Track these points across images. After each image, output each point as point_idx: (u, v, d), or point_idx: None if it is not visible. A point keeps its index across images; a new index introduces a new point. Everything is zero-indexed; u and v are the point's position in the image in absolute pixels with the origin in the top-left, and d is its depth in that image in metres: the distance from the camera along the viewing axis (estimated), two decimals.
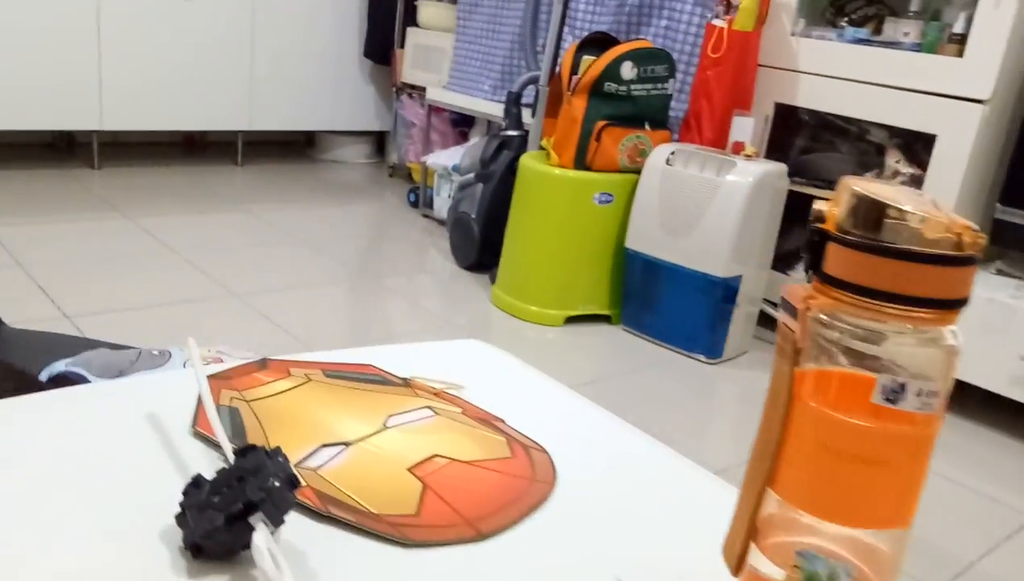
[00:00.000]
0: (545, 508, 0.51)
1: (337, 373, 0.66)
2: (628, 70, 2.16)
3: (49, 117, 3.20)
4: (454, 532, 0.48)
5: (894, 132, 2.18)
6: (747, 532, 0.39)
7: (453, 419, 0.61)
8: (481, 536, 0.48)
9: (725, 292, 2.10)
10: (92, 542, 0.43)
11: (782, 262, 2.39)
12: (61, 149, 3.59)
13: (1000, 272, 2.08)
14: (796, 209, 2.35)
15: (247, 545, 0.41)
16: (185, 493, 0.43)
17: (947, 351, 0.35)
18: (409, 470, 0.53)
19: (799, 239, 2.44)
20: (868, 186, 0.36)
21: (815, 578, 0.36)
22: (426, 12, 3.52)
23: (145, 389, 0.60)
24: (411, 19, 3.61)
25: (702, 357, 2.16)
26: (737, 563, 0.39)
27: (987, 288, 1.93)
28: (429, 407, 0.62)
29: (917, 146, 2.12)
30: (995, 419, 2.02)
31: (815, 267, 0.36)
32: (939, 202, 0.36)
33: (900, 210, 0.34)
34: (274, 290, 2.33)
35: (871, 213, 0.35)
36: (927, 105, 2.02)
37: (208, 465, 0.51)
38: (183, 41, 3.40)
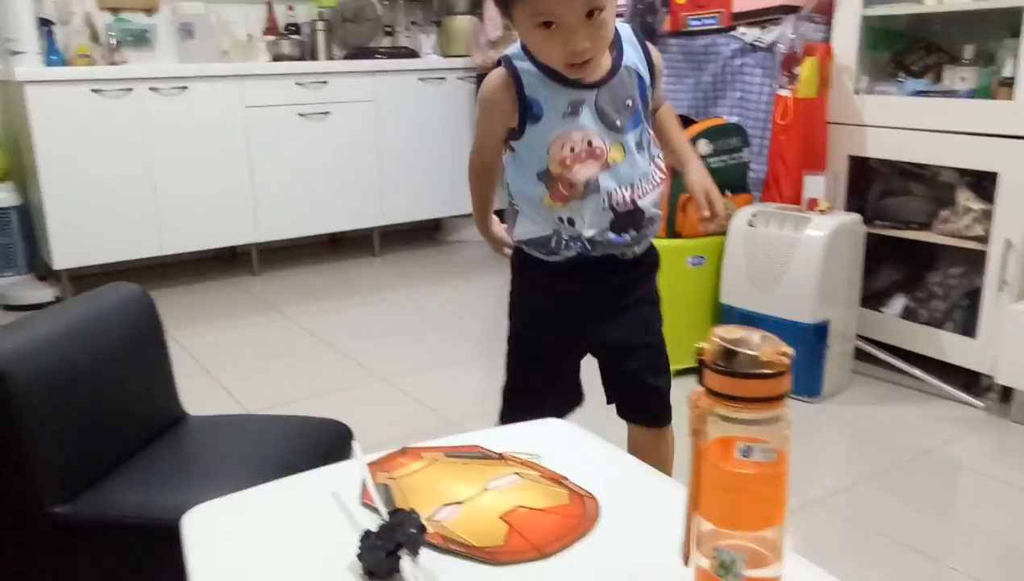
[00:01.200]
0: (590, 537, 0.78)
1: (454, 454, 0.96)
2: (704, 146, 2.40)
3: (214, 236, 3.76)
4: (526, 555, 0.75)
5: (962, 172, 2.31)
6: (688, 537, 0.65)
7: (533, 480, 0.89)
8: (543, 556, 0.75)
9: (815, 335, 2.28)
10: (311, 571, 0.73)
11: (875, 299, 2.53)
12: (225, 259, 4.14)
13: None
14: (882, 249, 2.50)
15: (399, 569, 0.70)
16: (361, 540, 0.73)
17: (781, 424, 0.61)
18: (500, 517, 0.81)
19: (888, 277, 2.57)
20: (727, 333, 0.62)
21: (722, 562, 0.62)
22: None
23: (332, 478, 0.92)
24: None
25: (803, 398, 2.33)
26: (685, 557, 0.65)
27: None
28: (516, 473, 0.90)
29: (985, 183, 2.24)
30: None
31: (700, 381, 0.63)
32: (769, 337, 0.61)
33: (739, 348, 0.60)
34: (417, 371, 2.68)
35: (724, 350, 0.61)
36: (987, 146, 2.15)
37: (373, 522, 0.81)
38: (320, 154, 3.89)
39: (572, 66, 1.17)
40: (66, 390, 1.27)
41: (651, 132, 1.30)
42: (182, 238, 3.68)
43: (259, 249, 3.93)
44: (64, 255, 3.41)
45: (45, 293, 3.51)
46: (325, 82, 3.86)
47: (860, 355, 2.48)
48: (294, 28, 4.14)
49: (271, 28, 4.12)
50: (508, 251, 1.43)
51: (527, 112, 1.23)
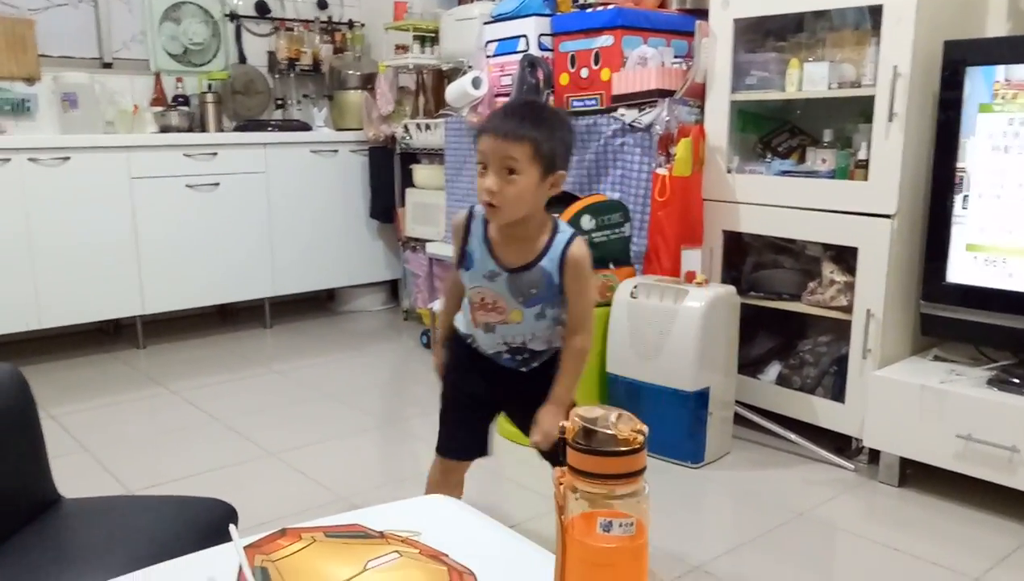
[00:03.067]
0: None
1: (334, 533, 0.96)
2: (587, 221, 2.50)
3: (97, 309, 3.62)
4: None
5: (826, 247, 2.49)
6: None
7: (412, 558, 0.90)
8: None
9: (697, 402, 2.37)
10: None
11: (751, 366, 2.67)
12: (109, 332, 3.98)
13: (936, 358, 2.33)
14: (757, 319, 2.65)
15: None
16: None
17: (640, 498, 0.64)
18: None
19: (763, 345, 2.72)
20: (587, 412, 0.66)
21: None
22: (420, 174, 3.95)
23: (209, 562, 0.90)
24: (408, 181, 4.04)
25: (686, 463, 2.41)
26: None
27: (922, 375, 2.19)
28: (396, 551, 0.91)
29: (847, 256, 2.42)
30: (944, 491, 2.23)
31: (564, 459, 0.66)
32: (625, 415, 0.66)
33: (597, 427, 0.64)
34: (307, 445, 2.63)
35: (585, 430, 0.65)
36: (847, 223, 2.34)
37: None
38: (209, 225, 3.83)
39: (485, 204, 1.46)
40: None
41: (557, 309, 1.58)
42: (62, 311, 3.52)
43: (144, 321, 3.80)
44: None
45: None
46: (215, 154, 3.83)
47: (739, 420, 2.59)
48: (183, 99, 4.11)
49: (159, 99, 4.07)
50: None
51: (465, 258, 1.57)
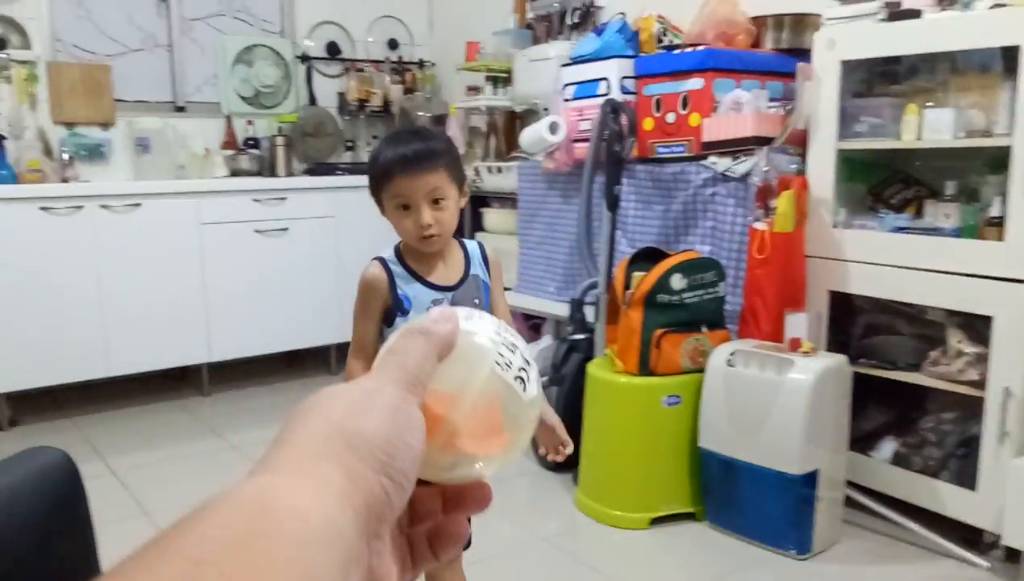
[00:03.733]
0: None
1: None
2: (678, 281, 2.29)
3: (164, 356, 3.55)
4: None
5: (951, 312, 2.22)
6: None
7: None
8: None
9: (804, 486, 2.11)
10: None
11: (862, 442, 2.39)
12: (175, 377, 3.91)
13: None
14: (867, 389, 2.37)
15: None
16: None
17: None
18: None
19: (876, 419, 2.44)
20: None
21: None
22: (491, 218, 3.79)
23: None
24: (478, 225, 3.88)
25: (793, 552, 2.15)
26: None
27: None
28: None
29: (978, 324, 2.14)
30: None
31: None
32: None
33: None
34: None
35: None
36: (978, 287, 2.06)
37: None
38: (277, 271, 3.73)
39: (423, 238, 1.46)
40: None
41: None
42: (130, 359, 3.47)
43: (210, 367, 3.72)
44: (5, 377, 3.21)
45: None
46: (284, 198, 3.74)
47: (850, 503, 2.32)
48: (253, 142, 4.05)
49: (229, 142, 4.02)
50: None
51: (398, 306, 1.50)
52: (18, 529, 1.24)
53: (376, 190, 1.50)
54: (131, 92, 3.92)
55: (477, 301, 1.54)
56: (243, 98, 4.15)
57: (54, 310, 3.27)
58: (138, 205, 3.42)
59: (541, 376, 2.63)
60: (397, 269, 1.51)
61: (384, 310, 1.52)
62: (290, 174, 4.02)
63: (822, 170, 2.36)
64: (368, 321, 1.53)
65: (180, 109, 4.04)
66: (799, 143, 2.43)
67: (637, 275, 2.35)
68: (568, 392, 2.71)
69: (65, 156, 3.64)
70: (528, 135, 3.02)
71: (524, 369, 0.43)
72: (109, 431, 3.27)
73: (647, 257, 2.44)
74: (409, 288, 1.50)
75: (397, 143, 1.48)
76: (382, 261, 1.52)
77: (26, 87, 3.64)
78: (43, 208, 3.24)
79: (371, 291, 1.51)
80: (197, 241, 3.56)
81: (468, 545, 1.55)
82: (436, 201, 1.44)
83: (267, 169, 4.00)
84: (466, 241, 1.59)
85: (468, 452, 0.41)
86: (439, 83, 4.48)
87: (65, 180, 3.56)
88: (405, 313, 1.50)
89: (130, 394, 3.70)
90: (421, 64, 4.48)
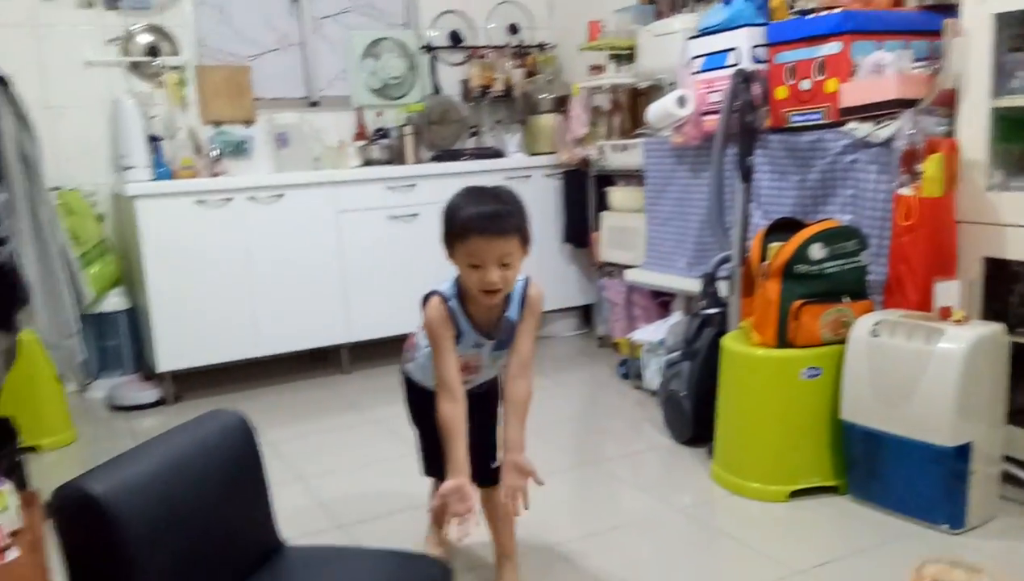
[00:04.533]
0: None
1: None
2: (818, 250, 2.25)
3: (307, 338, 3.76)
4: None
5: None
6: None
7: None
8: None
9: (956, 459, 2.05)
10: None
11: (1020, 415, 2.28)
12: (317, 357, 4.11)
13: None
14: None
15: None
16: None
17: None
18: None
19: None
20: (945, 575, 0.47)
21: None
22: (616, 196, 3.80)
23: None
24: (603, 204, 3.90)
25: (945, 527, 2.09)
26: None
27: None
28: None
29: None
30: None
31: None
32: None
33: None
34: None
35: None
36: None
37: None
38: (409, 254, 3.86)
39: (485, 293, 1.65)
40: (169, 526, 1.27)
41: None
42: (277, 340, 3.69)
43: (349, 347, 3.91)
44: (168, 358, 3.48)
45: (149, 394, 3.57)
46: (414, 185, 3.88)
47: (1009, 479, 2.22)
48: (382, 133, 4.20)
49: (360, 134, 4.19)
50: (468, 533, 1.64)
51: (460, 336, 1.72)
52: (211, 474, 1.40)
53: (450, 243, 1.66)
54: (269, 90, 4.14)
55: (505, 338, 1.77)
56: (372, 90, 4.31)
57: (210, 295, 3.52)
58: (281, 196, 3.63)
59: (674, 351, 2.66)
60: (453, 303, 1.71)
61: (454, 338, 1.72)
62: (418, 161, 4.15)
63: (974, 131, 2.25)
64: (449, 356, 1.70)
65: (314, 104, 4.24)
66: (947, 104, 2.33)
67: (774, 246, 2.32)
68: (701, 366, 2.71)
69: (214, 153, 3.89)
70: (655, 110, 3.01)
71: None
72: (261, 406, 3.49)
73: (784, 228, 2.40)
74: (463, 326, 1.71)
75: (476, 203, 1.63)
76: (443, 300, 1.70)
77: (177, 91, 3.91)
78: (198, 201, 3.48)
79: (443, 326, 1.69)
80: (335, 228, 3.74)
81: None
82: (505, 264, 1.62)
83: (397, 157, 4.15)
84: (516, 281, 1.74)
85: None
86: (560, 65, 4.51)
87: (215, 175, 3.81)
88: (458, 341, 1.72)
89: (277, 372, 3.92)
90: (542, 47, 4.52)
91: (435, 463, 1.86)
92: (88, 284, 3.27)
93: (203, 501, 1.37)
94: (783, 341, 2.31)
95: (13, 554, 1.23)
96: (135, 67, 3.84)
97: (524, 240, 1.66)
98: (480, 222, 1.60)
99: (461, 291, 1.71)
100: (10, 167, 1.44)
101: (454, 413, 1.69)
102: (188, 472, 1.36)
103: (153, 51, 3.86)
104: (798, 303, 2.28)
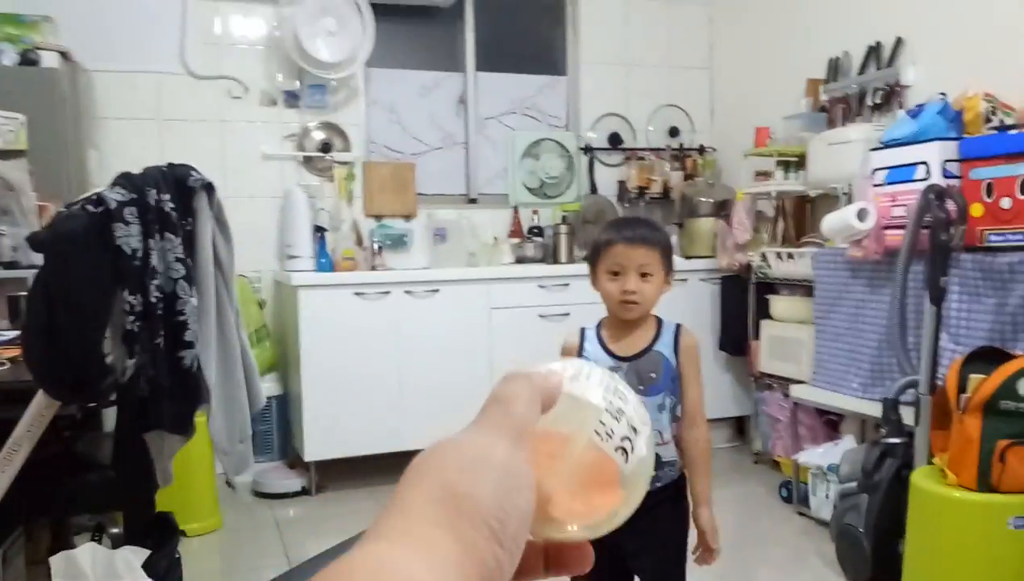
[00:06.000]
0: None
1: None
2: None
3: (451, 432, 3.72)
4: None
5: None
6: None
7: None
8: None
9: None
10: None
11: None
12: None
13: None
14: None
15: None
16: None
17: None
18: None
19: None
20: None
21: None
22: (778, 306, 3.63)
23: None
24: (764, 312, 3.73)
25: None
26: None
27: None
28: None
29: None
30: None
31: None
32: None
33: None
34: None
35: None
36: None
37: None
38: (558, 354, 3.80)
39: (622, 303, 1.62)
40: None
41: (675, 398, 1.68)
42: (421, 434, 3.66)
43: None
44: (315, 446, 3.53)
45: (294, 483, 3.62)
46: (567, 284, 3.85)
47: None
48: (537, 231, 4.23)
49: (516, 231, 4.23)
50: None
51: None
52: None
53: (594, 260, 1.67)
54: (430, 186, 4.27)
55: (654, 375, 1.66)
56: (529, 189, 4.37)
57: (361, 386, 3.56)
58: (436, 290, 3.68)
59: (850, 481, 2.43)
60: (590, 333, 1.71)
61: None
62: (572, 261, 4.14)
63: None
64: None
65: (472, 201, 4.34)
66: None
67: (975, 378, 2.11)
68: (883, 501, 2.47)
69: (375, 245, 4.02)
70: (832, 222, 2.87)
71: (628, 438, 0.43)
72: None
73: (984, 357, 2.18)
74: (593, 352, 1.68)
75: (624, 224, 1.69)
76: (582, 329, 1.73)
77: (345, 185, 4.10)
78: (356, 293, 3.58)
79: (565, 353, 1.71)
80: (486, 324, 3.74)
81: None
82: (644, 275, 1.61)
83: (550, 256, 4.15)
84: (665, 322, 1.71)
85: (568, 513, 0.43)
86: (720, 168, 4.44)
87: (374, 267, 3.93)
88: None
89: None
90: (702, 150, 4.48)
91: None
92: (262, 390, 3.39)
93: None
94: (986, 484, 2.07)
95: None
96: (307, 161, 4.05)
97: (667, 260, 1.66)
98: (624, 231, 1.64)
99: (602, 323, 1.73)
100: (206, 273, 1.49)
101: None
102: None
103: (326, 147, 4.06)
104: (1004, 443, 2.04)
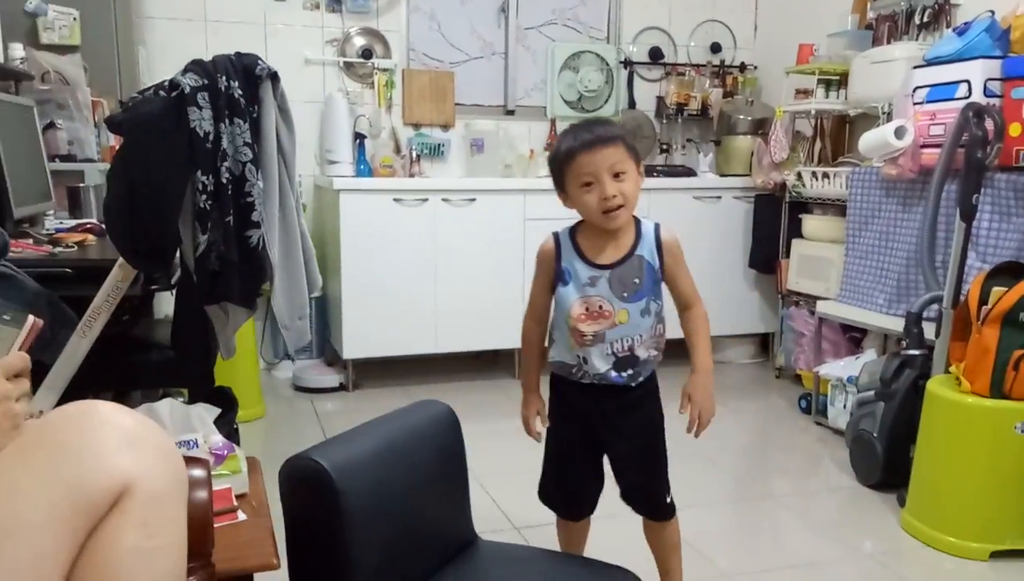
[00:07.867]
0: None
1: None
2: None
3: (484, 339, 3.86)
4: None
5: None
6: None
7: None
8: None
9: None
10: None
11: None
12: (487, 359, 4.23)
13: None
14: None
15: None
16: None
17: None
18: None
19: None
20: None
21: None
22: (811, 225, 3.68)
23: None
24: (796, 231, 3.78)
25: None
26: None
27: None
28: None
29: None
30: None
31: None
32: None
33: None
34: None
35: None
36: None
37: None
38: None
39: (606, 212, 1.56)
40: (385, 506, 1.32)
41: (659, 303, 1.65)
42: (455, 338, 3.82)
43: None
44: (352, 346, 3.67)
45: (331, 379, 3.78)
46: None
47: None
48: None
49: (552, 144, 4.26)
50: (539, 431, 1.78)
51: (559, 277, 1.65)
52: (422, 461, 1.46)
53: (560, 177, 1.63)
54: (469, 96, 4.31)
55: (637, 281, 1.62)
56: (567, 102, 4.39)
57: (397, 290, 3.67)
58: (473, 200, 3.76)
59: (868, 390, 2.52)
60: (566, 242, 1.67)
61: (551, 279, 1.67)
62: None
63: None
64: (539, 287, 1.71)
65: (510, 112, 4.38)
66: None
67: (997, 290, 2.18)
68: (898, 408, 2.58)
69: (413, 153, 4.09)
70: (870, 139, 2.89)
71: None
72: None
73: (1008, 272, 2.25)
74: (571, 262, 1.64)
75: (576, 131, 1.60)
76: (556, 235, 1.70)
77: (384, 92, 4.15)
78: (395, 199, 3.67)
79: (541, 261, 1.70)
80: (520, 235, 3.82)
81: None
82: (617, 175, 1.55)
83: None
84: (643, 222, 1.65)
85: None
86: (760, 86, 4.42)
87: (411, 175, 4.01)
88: (565, 284, 1.64)
89: (450, 370, 4.06)
90: (743, 68, 4.45)
91: (547, 488, 1.85)
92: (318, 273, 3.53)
93: (414, 486, 1.42)
94: (998, 391, 2.16)
95: (241, 516, 1.34)
96: (348, 67, 4.09)
97: (633, 152, 1.59)
98: (581, 139, 1.57)
99: (576, 228, 1.68)
100: (270, 159, 1.58)
101: (533, 331, 1.74)
102: (402, 457, 1.42)
103: (367, 53, 4.10)
104: (1019, 353, 2.13)
